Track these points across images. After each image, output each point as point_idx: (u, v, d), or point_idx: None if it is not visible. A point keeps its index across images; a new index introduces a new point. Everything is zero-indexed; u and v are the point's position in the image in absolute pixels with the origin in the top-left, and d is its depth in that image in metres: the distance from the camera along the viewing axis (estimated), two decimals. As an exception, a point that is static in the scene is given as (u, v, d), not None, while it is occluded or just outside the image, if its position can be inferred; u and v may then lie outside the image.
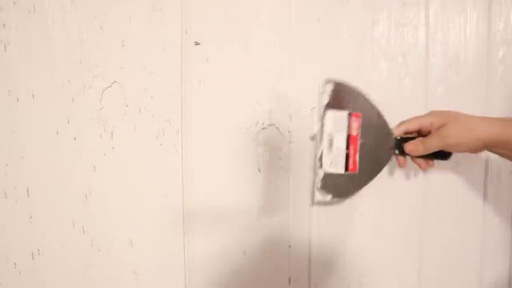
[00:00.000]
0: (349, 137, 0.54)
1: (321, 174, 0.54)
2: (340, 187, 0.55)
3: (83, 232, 0.49)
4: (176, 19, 0.51)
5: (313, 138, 0.57)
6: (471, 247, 0.71)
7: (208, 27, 0.53)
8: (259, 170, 0.57)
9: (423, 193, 0.67)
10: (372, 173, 0.57)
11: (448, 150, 0.56)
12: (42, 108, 0.46)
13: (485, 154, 0.69)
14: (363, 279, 0.64)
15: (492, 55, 0.69)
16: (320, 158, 0.54)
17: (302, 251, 0.60)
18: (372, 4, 0.61)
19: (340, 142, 0.54)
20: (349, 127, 0.54)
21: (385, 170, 0.64)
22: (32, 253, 0.47)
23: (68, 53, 0.47)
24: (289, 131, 0.58)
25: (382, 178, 0.64)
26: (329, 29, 0.59)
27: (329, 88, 0.53)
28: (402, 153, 0.57)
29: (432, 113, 0.57)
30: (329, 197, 0.55)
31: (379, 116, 0.56)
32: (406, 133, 0.58)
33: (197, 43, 0.52)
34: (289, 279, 0.60)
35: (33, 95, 0.46)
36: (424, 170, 0.62)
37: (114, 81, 0.49)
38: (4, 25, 0.44)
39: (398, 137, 0.57)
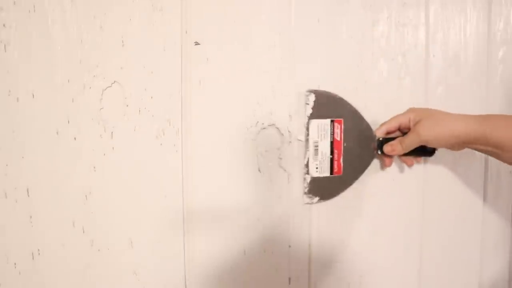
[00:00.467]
0: (333, 143, 0.58)
1: (308, 179, 0.58)
2: (326, 189, 0.60)
3: (83, 232, 0.49)
4: (176, 19, 0.51)
5: (300, 140, 0.59)
6: (471, 247, 0.71)
7: (208, 27, 0.53)
8: (259, 170, 0.57)
9: (423, 193, 0.67)
10: (356, 174, 0.61)
11: (428, 145, 0.57)
12: (42, 108, 0.46)
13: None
14: (363, 279, 0.64)
15: (492, 55, 0.69)
16: (307, 165, 0.58)
17: (302, 251, 0.60)
18: (372, 4, 0.61)
19: (325, 148, 0.58)
20: (332, 133, 0.58)
21: (385, 170, 0.65)
22: (32, 253, 0.47)
23: (68, 53, 0.47)
24: (289, 131, 0.58)
25: (382, 178, 0.64)
26: (329, 29, 0.59)
27: (312, 98, 0.57)
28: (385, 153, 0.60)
29: (409, 110, 0.59)
30: (316, 199, 0.59)
31: (361, 120, 0.60)
32: (388, 133, 0.60)
33: (197, 43, 0.52)
34: (289, 279, 0.60)
35: (33, 95, 0.46)
36: (410, 166, 0.65)
37: (114, 81, 0.49)
38: (4, 25, 0.44)
39: (381, 138, 0.60)
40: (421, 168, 0.66)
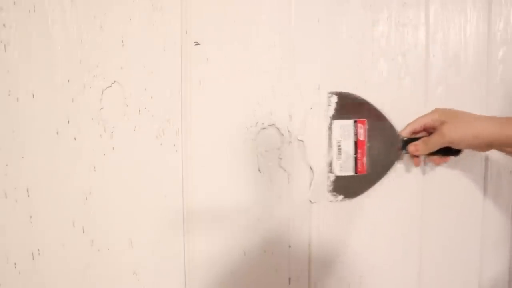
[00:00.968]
0: (356, 142, 0.60)
1: (331, 177, 0.60)
2: (351, 187, 0.61)
3: (83, 232, 0.49)
4: (176, 19, 0.51)
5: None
6: (471, 247, 0.71)
7: (208, 27, 0.53)
8: (259, 170, 0.57)
9: (423, 193, 0.67)
10: (381, 173, 0.62)
11: (452, 146, 0.57)
12: (42, 108, 0.46)
13: (485, 153, 0.69)
14: (363, 280, 0.64)
15: (492, 55, 0.69)
16: (330, 164, 0.60)
17: (302, 251, 0.60)
18: (372, 4, 0.61)
19: (349, 148, 0.60)
20: (355, 133, 0.60)
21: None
22: (32, 253, 0.47)
23: (68, 53, 0.47)
24: (289, 131, 0.58)
25: (382, 178, 0.64)
26: (329, 29, 0.59)
27: (334, 100, 0.59)
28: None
29: (435, 111, 0.59)
30: (340, 197, 0.61)
31: (385, 120, 0.61)
32: (413, 133, 0.61)
33: (197, 43, 0.52)
34: (289, 279, 0.60)
35: (33, 95, 0.46)
36: (438, 165, 0.66)
37: (114, 81, 0.49)
38: (4, 25, 0.44)
39: (405, 138, 0.61)
40: (421, 168, 0.66)
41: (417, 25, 0.64)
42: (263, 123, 0.57)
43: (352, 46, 0.61)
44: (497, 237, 0.72)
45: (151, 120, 0.51)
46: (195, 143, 0.53)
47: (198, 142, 0.53)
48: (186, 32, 0.52)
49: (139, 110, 0.50)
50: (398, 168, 0.65)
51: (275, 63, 0.57)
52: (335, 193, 0.60)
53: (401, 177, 0.66)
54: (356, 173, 0.60)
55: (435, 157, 0.63)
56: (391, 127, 0.61)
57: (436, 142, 0.57)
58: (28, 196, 0.46)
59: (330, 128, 0.59)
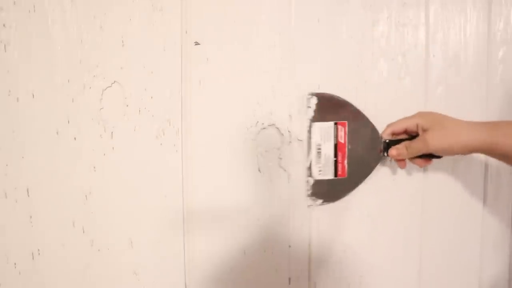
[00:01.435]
0: (337, 145, 0.58)
1: (310, 181, 0.58)
2: (331, 191, 0.60)
3: (83, 232, 0.49)
4: (176, 19, 0.51)
5: (300, 140, 0.59)
6: (471, 247, 0.71)
7: (208, 27, 0.53)
8: (259, 170, 0.57)
9: (423, 193, 0.67)
10: (362, 176, 0.60)
11: (435, 154, 0.56)
12: (42, 108, 0.46)
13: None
14: (363, 280, 0.64)
15: (492, 55, 0.69)
16: (309, 167, 0.58)
17: (302, 251, 0.60)
18: (372, 4, 0.61)
19: (329, 151, 0.58)
20: (336, 135, 0.58)
21: (385, 170, 0.65)
22: (32, 253, 0.47)
23: (68, 53, 0.47)
24: (289, 131, 0.58)
25: (382, 178, 0.64)
26: (329, 29, 0.59)
27: (314, 101, 0.57)
28: None
29: (418, 115, 0.57)
30: (319, 201, 0.59)
31: (367, 122, 0.59)
32: (394, 134, 0.59)
33: (197, 43, 0.52)
34: (289, 279, 0.60)
35: (33, 95, 0.46)
36: (422, 167, 0.63)
37: (114, 81, 0.49)
38: (4, 25, 0.44)
39: (387, 140, 0.59)
40: (421, 168, 0.66)
41: (417, 25, 0.64)
42: (263, 123, 0.57)
43: (352, 46, 0.61)
44: (497, 237, 0.72)
45: (151, 120, 0.51)
46: (195, 143, 0.53)
47: (198, 142, 0.53)
48: (186, 32, 0.52)
49: (139, 110, 0.50)
50: (398, 168, 0.65)
51: (275, 63, 0.57)
52: (314, 197, 0.59)
53: (401, 177, 0.66)
54: (336, 176, 0.58)
55: (419, 160, 0.60)
56: (373, 129, 0.59)
57: (418, 149, 0.56)
58: (28, 196, 0.46)
59: (309, 131, 0.57)
